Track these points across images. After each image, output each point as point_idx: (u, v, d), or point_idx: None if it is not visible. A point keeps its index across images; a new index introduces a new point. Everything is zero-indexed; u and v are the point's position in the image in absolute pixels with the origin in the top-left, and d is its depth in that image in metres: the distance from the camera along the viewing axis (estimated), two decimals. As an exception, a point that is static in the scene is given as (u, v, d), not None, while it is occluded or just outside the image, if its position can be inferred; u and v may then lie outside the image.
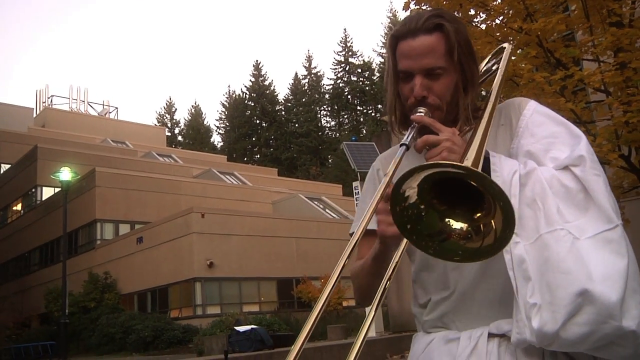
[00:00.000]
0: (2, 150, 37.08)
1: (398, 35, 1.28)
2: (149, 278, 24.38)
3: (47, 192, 32.51)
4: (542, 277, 1.06)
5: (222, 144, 67.62)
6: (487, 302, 1.20)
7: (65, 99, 51.29)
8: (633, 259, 1.06)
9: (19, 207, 36.40)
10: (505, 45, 1.54)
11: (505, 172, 1.13)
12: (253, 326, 12.25)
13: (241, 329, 11.61)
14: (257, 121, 65.40)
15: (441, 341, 1.26)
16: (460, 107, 1.27)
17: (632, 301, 1.02)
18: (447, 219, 1.02)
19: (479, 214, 0.99)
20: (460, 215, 1.01)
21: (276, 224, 25.25)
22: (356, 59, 64.02)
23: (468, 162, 1.02)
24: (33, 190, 33.85)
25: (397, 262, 1.11)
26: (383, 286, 1.10)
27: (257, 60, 77.50)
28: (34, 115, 47.65)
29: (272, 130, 63.68)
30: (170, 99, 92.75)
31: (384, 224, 1.12)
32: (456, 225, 1.02)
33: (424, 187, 0.99)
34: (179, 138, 69.59)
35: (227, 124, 67.08)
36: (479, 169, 1.00)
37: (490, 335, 1.18)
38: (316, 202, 31.57)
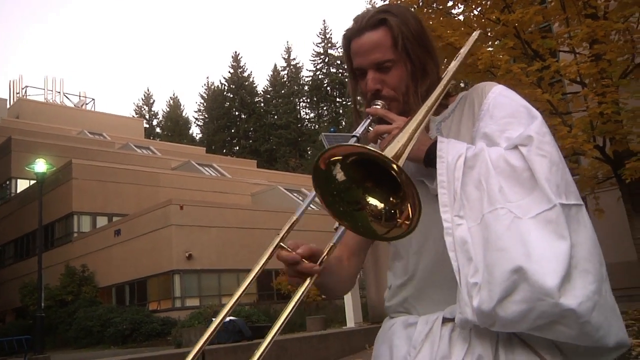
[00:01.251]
0: (-26, 142, 36.30)
1: (348, 35, 1.34)
2: (127, 271, 24.16)
3: (22, 185, 31.96)
4: (484, 257, 1.06)
5: (200, 135, 67.08)
6: (445, 288, 1.21)
7: (40, 90, 50.36)
8: (589, 240, 1.06)
9: (-8, 199, 35.76)
10: (475, 32, 1.57)
11: (450, 157, 1.14)
12: (231, 317, 12.17)
13: (220, 320, 11.53)
14: (236, 113, 64.96)
15: (401, 326, 1.29)
16: (410, 96, 1.29)
17: (580, 281, 1.01)
18: (367, 195, 1.08)
19: (393, 199, 1.04)
20: (379, 194, 1.06)
21: (255, 215, 25.16)
22: (335, 50, 63.83)
23: (391, 148, 1.05)
24: (7, 182, 33.27)
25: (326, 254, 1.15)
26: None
27: (236, 52, 76.74)
28: (8, 106, 46.69)
29: (251, 122, 63.31)
30: (148, 90, 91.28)
31: (292, 277, 1.17)
32: (372, 201, 1.07)
33: (348, 166, 1.05)
34: (157, 130, 68.85)
35: (206, 115, 66.53)
36: (404, 154, 1.05)
37: (445, 320, 1.20)
38: (295, 194, 31.54)
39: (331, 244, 1.15)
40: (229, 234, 23.50)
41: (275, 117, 63.33)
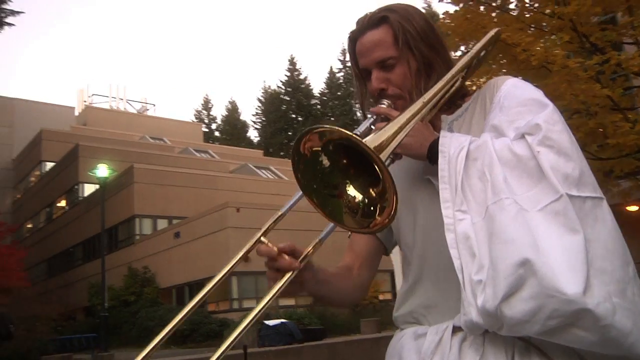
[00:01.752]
0: (46, 149, 38.10)
1: (352, 37, 1.32)
2: (186, 272, 24.71)
3: (89, 189, 33.26)
4: (489, 252, 0.97)
5: (258, 138, 68.00)
6: (454, 295, 1.11)
7: (106, 98, 52.40)
8: (607, 237, 0.96)
9: (63, 203, 37.43)
10: (492, 29, 1.49)
11: (452, 150, 1.08)
12: (283, 320, 12.23)
13: (271, 322, 11.58)
14: (293, 115, 65.50)
15: (411, 337, 1.21)
16: (413, 92, 1.24)
17: (597, 280, 0.91)
18: (347, 182, 1.03)
19: (373, 190, 0.99)
20: (360, 184, 1.02)
21: (312, 218, 24.98)
22: (391, 50, 63.44)
23: (376, 138, 0.99)
24: (76, 187, 34.70)
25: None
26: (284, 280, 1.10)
27: (292, 55, 77.52)
28: (76, 114, 48.85)
29: (308, 124, 63.31)
30: (207, 95, 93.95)
31: (272, 279, 1.12)
32: (351, 192, 1.02)
33: (330, 150, 1.01)
34: (216, 134, 70.29)
35: (263, 119, 67.40)
36: (390, 146, 1.00)
37: (456, 329, 1.11)
38: (352, 196, 31.43)
39: (316, 241, 1.11)
40: (285, 236, 23.05)
41: (332, 118, 63.38)
